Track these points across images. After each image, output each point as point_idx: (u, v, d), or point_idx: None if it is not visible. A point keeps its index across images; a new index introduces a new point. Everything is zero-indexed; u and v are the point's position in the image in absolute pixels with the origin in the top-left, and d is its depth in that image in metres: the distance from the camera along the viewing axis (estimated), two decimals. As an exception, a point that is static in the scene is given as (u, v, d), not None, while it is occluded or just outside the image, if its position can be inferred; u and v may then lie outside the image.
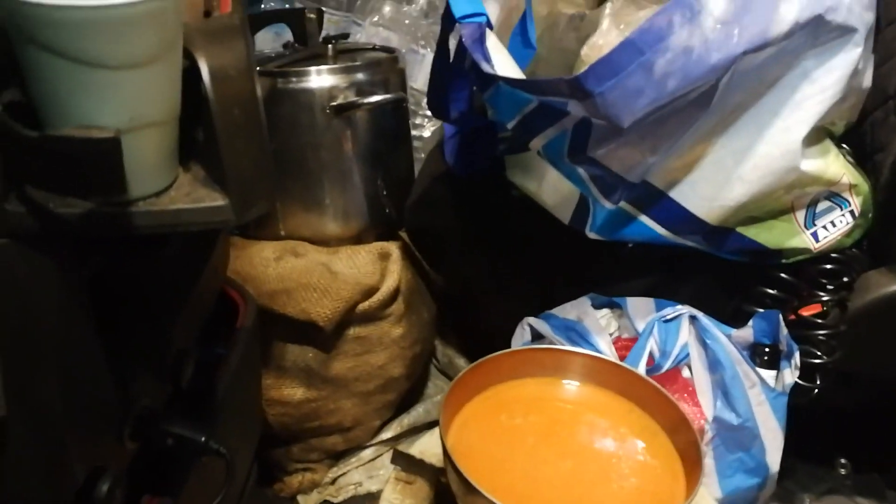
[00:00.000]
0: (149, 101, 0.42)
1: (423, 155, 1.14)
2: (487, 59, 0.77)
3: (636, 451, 0.61)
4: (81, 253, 0.47)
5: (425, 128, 1.18)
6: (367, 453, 1.05)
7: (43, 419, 0.46)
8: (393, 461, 0.67)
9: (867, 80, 0.85)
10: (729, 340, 0.79)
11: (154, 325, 0.58)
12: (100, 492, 0.50)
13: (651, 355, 0.79)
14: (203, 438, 0.58)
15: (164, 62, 0.42)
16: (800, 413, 0.83)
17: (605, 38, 1.04)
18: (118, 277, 0.53)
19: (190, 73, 0.45)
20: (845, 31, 0.76)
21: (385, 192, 1.04)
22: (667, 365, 0.79)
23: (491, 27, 0.83)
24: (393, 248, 1.01)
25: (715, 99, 0.74)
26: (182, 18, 0.43)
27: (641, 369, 0.75)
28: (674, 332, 0.81)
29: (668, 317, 0.80)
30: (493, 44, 0.80)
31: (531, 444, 0.61)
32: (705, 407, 0.77)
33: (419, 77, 1.16)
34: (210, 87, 0.45)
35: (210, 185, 0.46)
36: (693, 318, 0.80)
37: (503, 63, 0.79)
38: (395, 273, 0.99)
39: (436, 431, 0.62)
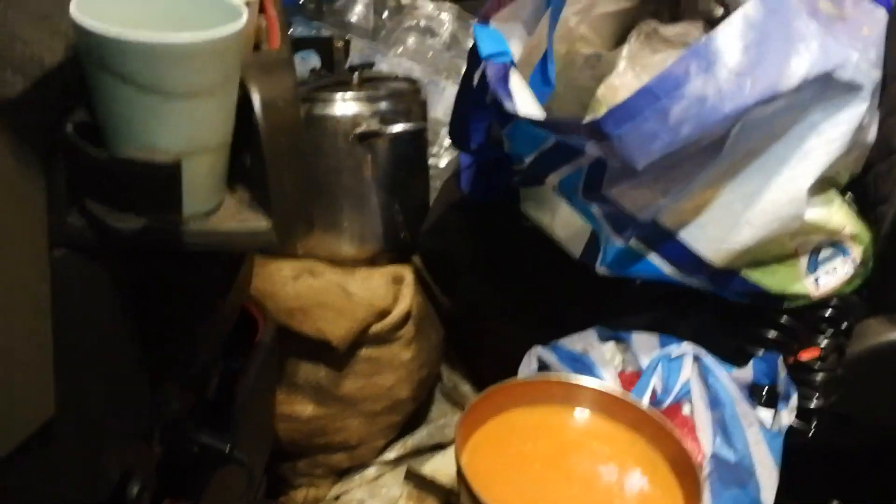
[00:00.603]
0: (206, 128, 0.46)
1: (438, 183, 1.17)
2: (510, 98, 0.80)
3: (639, 481, 0.63)
4: (130, 265, 0.50)
5: (442, 157, 1.21)
6: (371, 472, 1.07)
7: (86, 421, 0.49)
8: (406, 479, 0.70)
9: (872, 135, 0.88)
10: (730, 380, 0.82)
11: (185, 336, 0.60)
12: (130, 493, 0.53)
13: (654, 390, 0.82)
14: (228, 448, 0.60)
15: (222, 93, 0.45)
16: (795, 453, 0.85)
17: (622, 80, 1.08)
18: (157, 289, 0.55)
19: (242, 103, 0.49)
20: (852, 87, 0.79)
21: (401, 218, 1.07)
22: (668, 401, 0.81)
23: (514, 65, 0.87)
24: (406, 272, 1.04)
25: (726, 146, 0.77)
26: (243, 54, 0.46)
27: (645, 403, 0.78)
28: (676, 369, 0.83)
29: (673, 355, 0.82)
30: (516, 82, 0.83)
31: (539, 469, 0.64)
32: (704, 443, 0.80)
33: (439, 107, 1.20)
34: (261, 116, 0.48)
35: (255, 208, 0.49)
36: (696, 358, 0.83)
37: (525, 101, 0.82)
38: (407, 297, 1.01)
39: (447, 452, 0.65)
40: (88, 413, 0.49)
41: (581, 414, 0.72)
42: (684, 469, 0.62)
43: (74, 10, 0.41)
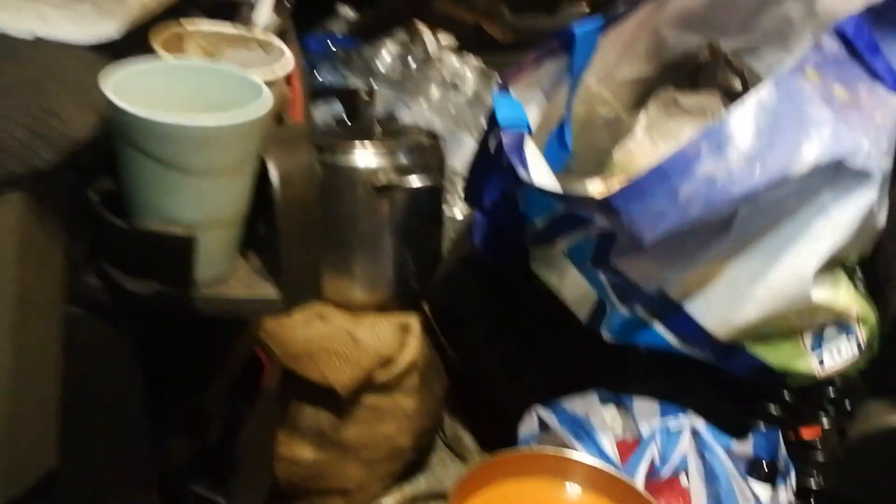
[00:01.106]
0: (223, 202, 0.48)
1: (452, 234, 1.18)
2: (524, 166, 0.82)
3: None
4: (142, 324, 0.52)
5: (457, 208, 1.23)
6: (367, 518, 1.07)
7: (87, 474, 0.50)
8: None
9: (882, 220, 0.89)
10: (728, 455, 0.82)
11: (191, 390, 0.62)
12: (126, 543, 0.54)
13: (652, 461, 0.82)
14: (223, 501, 0.62)
15: (242, 170, 0.47)
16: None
17: (638, 147, 1.10)
18: (167, 346, 0.57)
19: (260, 174, 0.51)
20: (863, 175, 0.80)
21: (412, 267, 1.09)
22: (666, 472, 0.82)
23: (530, 132, 0.88)
24: (413, 321, 1.06)
25: (734, 225, 0.78)
26: (263, 136, 0.48)
27: (641, 474, 0.78)
28: (675, 440, 0.84)
29: (672, 429, 0.83)
30: (531, 151, 0.85)
31: (529, 542, 0.64)
32: (699, 518, 0.80)
33: (457, 159, 1.22)
34: (278, 190, 0.50)
35: (266, 276, 0.51)
36: (694, 432, 0.83)
37: (538, 170, 0.84)
38: (413, 347, 1.03)
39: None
40: (90, 466, 0.50)
41: (573, 489, 0.72)
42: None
43: (108, 90, 0.43)
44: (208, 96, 0.48)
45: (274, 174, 0.50)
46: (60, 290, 0.47)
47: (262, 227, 0.52)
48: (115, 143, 0.45)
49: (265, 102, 0.46)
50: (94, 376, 0.49)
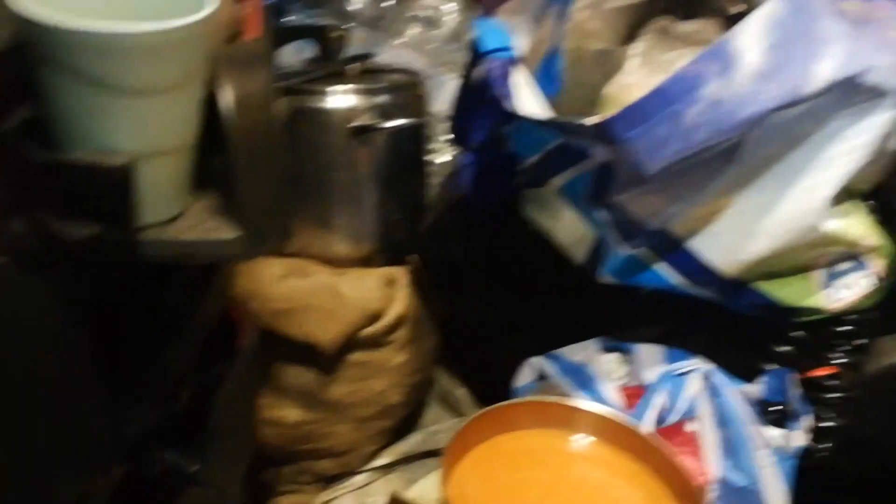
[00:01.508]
0: (166, 129, 0.41)
1: (437, 180, 1.12)
2: (511, 96, 0.75)
3: (641, 517, 0.59)
4: (82, 276, 0.46)
5: (442, 153, 1.16)
6: (359, 479, 1.03)
7: (30, 445, 0.45)
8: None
9: (896, 144, 0.83)
10: (740, 399, 0.77)
11: (153, 350, 0.56)
12: (84, 521, 0.49)
13: (658, 407, 0.77)
14: (195, 468, 0.56)
15: (184, 90, 0.41)
16: (804, 474, 0.81)
17: (633, 78, 1.03)
18: (119, 298, 0.51)
19: (211, 100, 0.44)
20: (878, 93, 0.75)
21: (397, 217, 1.02)
22: (672, 419, 0.77)
23: (517, 62, 0.82)
24: (400, 274, 1.00)
25: (742, 152, 0.73)
26: (209, 47, 0.41)
27: (649, 421, 0.73)
28: (682, 385, 0.79)
29: (680, 371, 0.78)
30: (519, 79, 0.78)
31: (533, 499, 0.59)
32: (711, 465, 0.75)
33: (439, 101, 1.15)
34: (230, 116, 0.43)
35: (223, 215, 0.45)
36: (705, 374, 0.78)
37: (527, 100, 0.78)
38: (401, 300, 0.97)
39: (434, 476, 0.61)
40: (34, 437, 0.44)
41: (579, 438, 0.67)
42: (691, 500, 0.58)
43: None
44: (148, 10, 0.41)
45: (225, 98, 0.43)
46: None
47: (216, 161, 0.46)
48: (32, 61, 0.39)
49: (204, 10, 0.40)
50: (30, 336, 0.43)
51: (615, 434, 0.64)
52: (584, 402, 0.72)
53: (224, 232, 0.44)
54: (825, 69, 0.70)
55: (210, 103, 0.44)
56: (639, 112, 0.67)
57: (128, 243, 0.42)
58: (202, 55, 0.41)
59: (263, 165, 0.45)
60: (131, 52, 0.38)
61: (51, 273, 0.44)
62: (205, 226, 0.44)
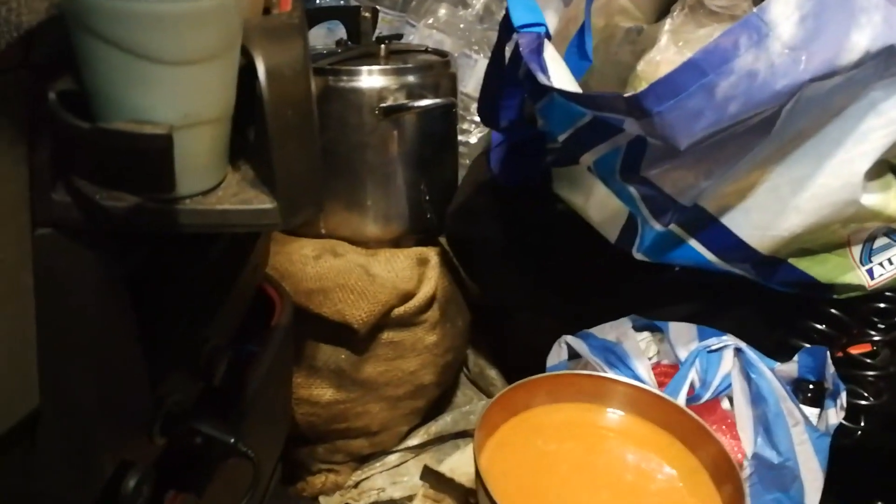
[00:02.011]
0: (204, 99, 0.41)
1: (468, 161, 1.12)
2: (544, 70, 0.75)
3: (674, 489, 0.59)
4: (124, 247, 0.46)
5: (472, 134, 1.16)
6: (392, 459, 1.03)
7: (75, 412, 0.46)
8: (422, 478, 0.66)
9: (936, 115, 0.81)
10: (773, 375, 0.76)
11: (191, 322, 0.57)
12: (127, 487, 0.50)
13: (691, 385, 0.77)
14: (232, 440, 0.57)
15: (222, 60, 0.41)
16: (838, 452, 0.80)
17: (664, 55, 1.02)
18: (158, 272, 0.52)
19: (246, 71, 0.44)
20: (918, 62, 0.73)
21: (427, 197, 1.03)
22: (707, 395, 0.76)
23: (549, 37, 0.81)
24: (432, 254, 1.00)
25: (776, 125, 0.71)
26: (244, 16, 0.42)
27: (682, 399, 0.73)
28: (716, 362, 0.78)
29: (712, 347, 0.77)
30: (551, 54, 0.78)
31: (565, 471, 0.59)
32: (745, 442, 0.75)
33: (469, 82, 1.15)
34: (265, 86, 0.44)
35: (258, 186, 0.45)
36: (738, 350, 0.77)
37: (559, 75, 0.77)
38: (432, 280, 0.97)
39: (467, 449, 0.61)
40: (78, 404, 0.45)
41: (612, 412, 0.67)
42: (725, 475, 0.57)
43: (54, -35, 0.37)
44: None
45: (261, 68, 0.44)
46: (27, 211, 0.42)
47: (251, 132, 0.46)
48: (72, 32, 0.39)
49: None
50: (73, 305, 0.44)
51: (648, 407, 0.64)
52: (615, 375, 0.72)
53: (260, 202, 0.44)
54: (861, 39, 0.69)
55: (245, 74, 0.44)
56: (671, 85, 0.67)
57: (168, 213, 0.43)
58: (236, 25, 0.41)
59: (298, 136, 0.46)
60: (171, 21, 0.38)
61: (93, 243, 0.44)
62: (242, 196, 0.45)
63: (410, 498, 0.89)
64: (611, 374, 0.73)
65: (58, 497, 0.47)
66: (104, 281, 0.45)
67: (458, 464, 0.64)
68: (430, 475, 0.66)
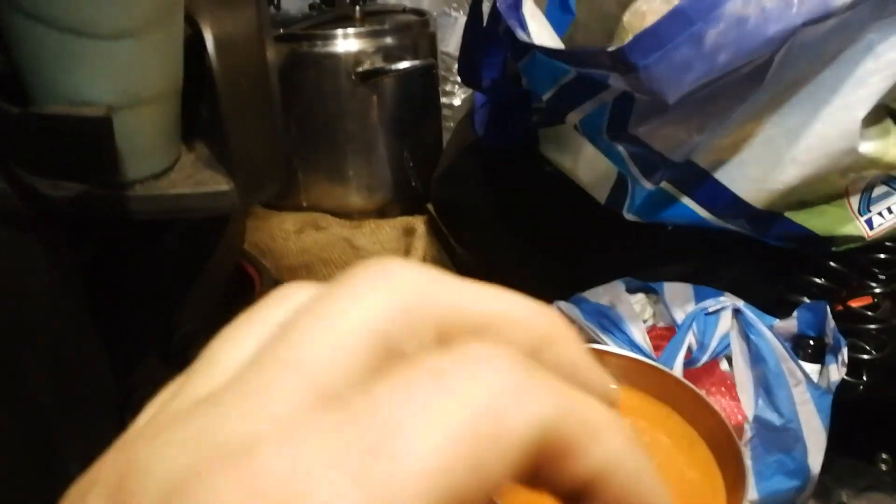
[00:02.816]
0: (145, 75, 0.38)
1: (452, 124, 1.09)
2: (523, 27, 0.71)
3: (674, 462, 0.56)
4: (75, 236, 0.43)
5: (456, 95, 1.13)
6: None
7: (32, 413, 0.43)
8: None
9: (935, 57, 0.78)
10: (773, 334, 0.74)
11: (159, 308, 0.54)
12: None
13: (689, 348, 0.74)
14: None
15: (161, 30, 0.38)
16: (840, 406, 0.78)
17: (650, 5, 0.97)
18: (117, 258, 0.49)
19: (193, 42, 0.41)
20: (916, 1, 0.70)
21: (411, 164, 1.00)
22: (704, 358, 0.74)
23: (528, -9, 0.78)
24: (418, 223, 0.97)
25: (769, 74, 0.68)
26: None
27: (679, 364, 0.71)
28: (713, 323, 0.76)
29: (710, 310, 0.75)
30: (530, 9, 0.74)
31: (559, 448, 0.56)
32: (745, 405, 0.73)
33: (451, 41, 1.11)
34: (214, 57, 0.41)
35: (214, 166, 0.42)
36: (736, 311, 0.75)
37: (540, 30, 0.74)
38: (419, 250, 0.95)
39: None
40: (35, 404, 0.43)
41: (605, 385, 0.64)
42: (724, 446, 0.55)
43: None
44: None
45: (208, 37, 0.40)
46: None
47: (204, 108, 0.43)
48: (-4, 8, 0.36)
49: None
50: (23, 298, 0.41)
51: (642, 378, 0.61)
52: (606, 346, 0.69)
53: (216, 183, 0.41)
54: (857, -21, 0.65)
55: (193, 45, 0.41)
56: (656, 36, 0.63)
57: (116, 200, 0.40)
58: (177, -9, 0.38)
59: (255, 110, 0.43)
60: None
61: (41, 234, 0.41)
62: (197, 177, 0.42)
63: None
64: (604, 344, 0.70)
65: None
66: (55, 272, 0.43)
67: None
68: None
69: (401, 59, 0.92)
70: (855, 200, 0.81)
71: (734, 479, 0.53)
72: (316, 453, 0.14)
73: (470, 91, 1.16)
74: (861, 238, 0.82)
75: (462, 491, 0.15)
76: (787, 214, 0.81)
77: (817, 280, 0.85)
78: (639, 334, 0.76)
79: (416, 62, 0.92)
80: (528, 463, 0.16)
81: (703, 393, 0.57)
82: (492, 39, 0.83)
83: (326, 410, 0.15)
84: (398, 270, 0.18)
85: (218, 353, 0.19)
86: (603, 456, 0.17)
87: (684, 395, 0.59)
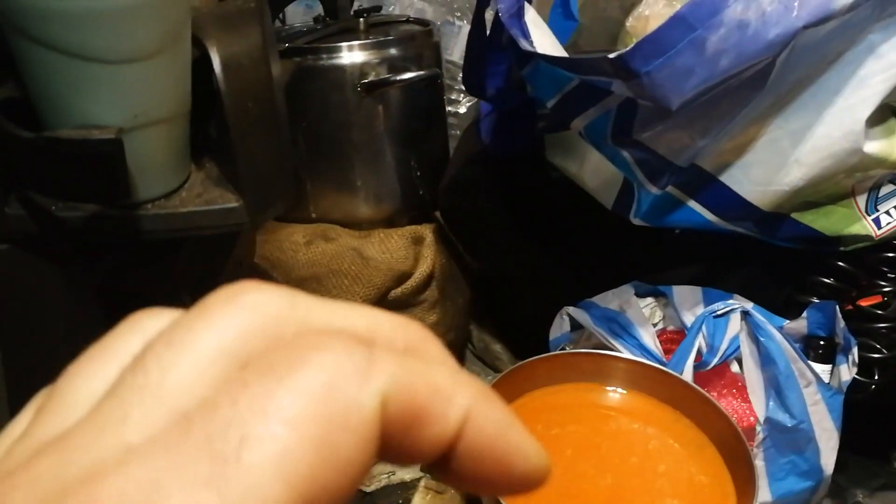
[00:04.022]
0: (154, 97, 0.39)
1: (458, 132, 1.09)
2: (526, 36, 0.72)
3: (683, 467, 0.57)
4: (89, 257, 0.44)
5: (461, 103, 1.13)
6: (400, 441, 1.02)
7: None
8: (423, 469, 0.64)
9: (937, 55, 0.78)
10: (783, 335, 0.74)
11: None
12: None
13: (698, 351, 0.75)
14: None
15: (169, 54, 0.39)
16: (853, 406, 0.78)
17: (652, 9, 0.98)
18: (132, 278, 0.50)
19: (200, 64, 0.42)
20: (916, 1, 0.70)
21: (419, 173, 1.00)
22: (714, 361, 0.74)
23: (530, 0, 0.78)
24: (427, 231, 0.98)
25: (771, 77, 0.68)
26: (190, 5, 0.39)
27: (689, 367, 0.71)
28: (723, 325, 0.76)
29: (719, 312, 0.75)
30: (532, 18, 0.75)
31: (569, 456, 0.57)
32: (756, 406, 0.73)
33: (455, 50, 1.12)
34: (222, 78, 0.41)
35: (224, 184, 0.43)
36: (745, 313, 0.75)
37: (542, 39, 0.74)
38: (428, 258, 0.95)
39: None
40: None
41: (614, 391, 0.65)
42: (734, 450, 0.55)
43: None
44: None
45: (215, 59, 0.41)
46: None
47: (213, 128, 0.44)
48: (8, 36, 0.37)
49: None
50: (39, 321, 0.42)
51: (651, 383, 0.62)
52: (615, 352, 0.70)
53: (226, 201, 0.42)
54: (856, -20, 0.65)
55: (200, 67, 0.42)
56: (658, 42, 0.63)
57: (129, 220, 0.40)
58: (180, 16, 0.38)
59: (262, 128, 0.43)
60: (106, 18, 0.35)
61: (56, 256, 0.42)
62: (207, 195, 0.42)
63: (420, 479, 0.88)
64: (613, 349, 0.71)
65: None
66: (70, 293, 0.43)
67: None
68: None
69: (406, 69, 0.93)
70: (862, 200, 0.81)
71: (744, 481, 0.53)
72: (166, 471, 0.14)
73: (475, 99, 1.16)
74: (869, 237, 0.82)
75: (322, 478, 0.15)
76: (794, 216, 0.81)
77: (826, 280, 0.85)
78: (649, 338, 0.77)
79: (421, 72, 0.92)
80: (387, 436, 0.16)
81: (712, 396, 0.58)
82: (495, 48, 0.83)
83: (179, 430, 0.15)
84: (251, 293, 0.18)
85: (69, 389, 0.18)
86: (459, 413, 0.17)
87: (693, 399, 0.59)
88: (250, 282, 0.19)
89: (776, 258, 0.85)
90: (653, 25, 0.99)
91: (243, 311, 0.18)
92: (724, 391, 0.74)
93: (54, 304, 0.42)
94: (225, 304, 0.18)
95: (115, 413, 0.16)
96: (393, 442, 0.17)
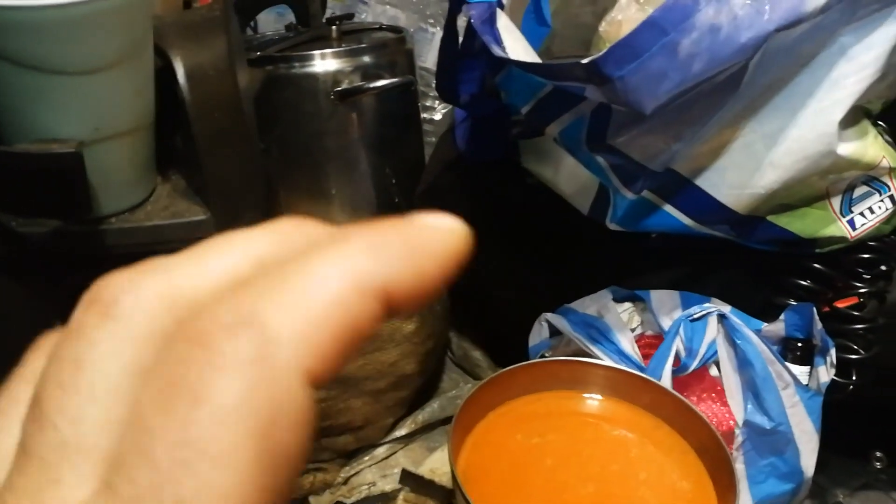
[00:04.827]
0: (115, 109, 0.38)
1: (434, 139, 1.09)
2: (498, 42, 0.72)
3: (664, 474, 0.56)
4: (53, 274, 0.43)
5: (436, 110, 1.13)
6: (381, 451, 1.01)
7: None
8: (401, 481, 0.63)
9: (908, 57, 0.79)
10: (759, 338, 0.74)
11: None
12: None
13: (677, 355, 0.74)
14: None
15: (130, 65, 0.37)
16: (833, 406, 0.78)
17: (625, 14, 0.98)
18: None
19: (164, 74, 0.41)
20: (886, 2, 0.70)
21: (394, 181, 0.99)
22: (693, 365, 0.74)
23: (502, 6, 0.78)
24: (403, 239, 0.97)
25: (744, 81, 0.68)
26: (151, 14, 0.38)
27: (667, 372, 0.71)
28: (700, 329, 0.76)
29: (695, 316, 0.75)
30: (505, 24, 0.74)
31: (549, 466, 0.57)
32: (735, 410, 0.73)
33: (429, 57, 1.11)
34: (186, 89, 0.40)
35: (191, 196, 0.42)
36: (721, 316, 0.75)
37: (515, 45, 0.74)
38: (405, 266, 0.94)
39: (447, 449, 0.58)
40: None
41: (593, 398, 0.64)
42: (715, 455, 0.55)
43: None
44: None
45: (179, 69, 0.40)
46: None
47: (179, 139, 0.43)
48: (-39, 48, 0.36)
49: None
50: (2, 340, 0.40)
51: (631, 389, 0.61)
52: (594, 360, 0.69)
53: (193, 213, 0.41)
54: (826, -18, 0.66)
55: (164, 77, 0.41)
56: (630, 47, 0.63)
57: (92, 235, 0.39)
58: (141, 26, 0.38)
59: (229, 139, 0.42)
60: (61, 28, 0.34)
61: (19, 273, 0.41)
62: (174, 208, 0.41)
63: (400, 491, 0.87)
64: (592, 355, 0.70)
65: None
66: (35, 311, 0.42)
67: (439, 463, 0.62)
68: (409, 478, 0.63)
69: (379, 77, 0.92)
70: (836, 202, 0.82)
71: (725, 486, 0.53)
72: None
73: (451, 106, 1.16)
74: (844, 239, 0.82)
75: (271, 488, 0.14)
76: (770, 218, 0.81)
77: (803, 282, 0.85)
78: (627, 344, 0.76)
79: (395, 80, 0.92)
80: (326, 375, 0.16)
81: (691, 401, 0.57)
82: (468, 55, 0.83)
83: (109, 493, 0.14)
84: (122, 300, 0.17)
85: None
86: (376, 306, 0.17)
87: (673, 406, 0.59)
88: (117, 279, 0.18)
89: (753, 261, 0.85)
90: (626, 30, 0.99)
91: (118, 324, 0.17)
92: (704, 395, 0.74)
93: (17, 325, 0.41)
94: (101, 323, 0.17)
95: (48, 474, 0.15)
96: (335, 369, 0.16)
